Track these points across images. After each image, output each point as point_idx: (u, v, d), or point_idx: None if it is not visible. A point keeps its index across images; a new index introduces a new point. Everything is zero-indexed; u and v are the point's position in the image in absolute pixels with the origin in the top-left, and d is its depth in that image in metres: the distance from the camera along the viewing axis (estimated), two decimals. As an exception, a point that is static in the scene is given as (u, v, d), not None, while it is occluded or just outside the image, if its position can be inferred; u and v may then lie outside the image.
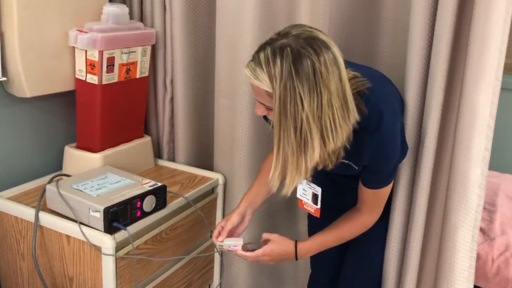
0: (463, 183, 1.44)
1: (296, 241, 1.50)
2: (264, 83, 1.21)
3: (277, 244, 1.48)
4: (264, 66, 1.20)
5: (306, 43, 1.19)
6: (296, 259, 1.50)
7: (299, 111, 1.19)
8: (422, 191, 1.51)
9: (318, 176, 1.44)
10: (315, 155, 1.25)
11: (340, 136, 1.26)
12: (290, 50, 1.17)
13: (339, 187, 1.61)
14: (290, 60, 1.17)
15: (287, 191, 1.33)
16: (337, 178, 1.58)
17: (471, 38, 1.36)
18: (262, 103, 1.28)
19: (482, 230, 2.18)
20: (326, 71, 1.18)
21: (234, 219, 1.53)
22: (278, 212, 2.07)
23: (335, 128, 1.23)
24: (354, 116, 1.27)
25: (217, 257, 2.01)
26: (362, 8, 1.70)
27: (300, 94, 1.17)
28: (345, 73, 1.23)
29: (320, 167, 1.36)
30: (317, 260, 1.79)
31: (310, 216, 1.83)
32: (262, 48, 1.23)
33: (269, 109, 1.27)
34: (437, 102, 1.44)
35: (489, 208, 2.37)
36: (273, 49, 1.20)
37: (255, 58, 1.23)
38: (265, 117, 1.54)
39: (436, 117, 1.46)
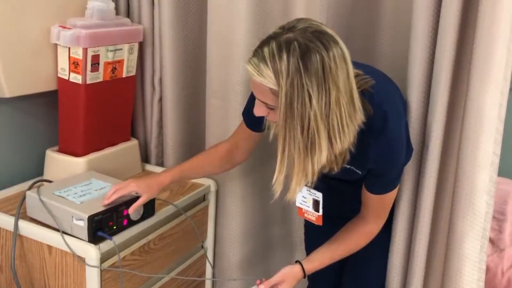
0: (470, 190, 1.45)
1: (302, 264, 1.51)
2: (268, 80, 1.21)
3: (290, 281, 1.50)
4: (269, 62, 1.20)
5: (314, 37, 1.19)
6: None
7: (307, 110, 1.20)
8: (427, 197, 1.52)
9: (317, 182, 1.46)
10: (322, 157, 1.26)
11: (347, 137, 1.27)
12: (298, 44, 1.18)
13: (338, 193, 1.62)
14: (298, 55, 1.18)
15: (292, 195, 1.33)
16: (336, 184, 1.59)
17: (477, 35, 1.37)
18: (263, 102, 1.28)
19: (491, 240, 2.20)
20: (335, 67, 1.19)
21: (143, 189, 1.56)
22: (273, 224, 2.08)
23: (342, 127, 1.24)
24: (360, 116, 1.28)
25: (208, 268, 2.02)
26: (361, 1, 1.72)
27: (308, 91, 1.18)
28: (352, 70, 1.25)
29: (326, 170, 1.37)
30: (315, 273, 1.80)
31: (307, 226, 1.84)
32: (265, 42, 1.23)
33: (271, 108, 1.28)
34: (442, 103, 1.45)
35: (498, 217, 2.38)
36: (278, 43, 1.20)
37: (258, 53, 1.23)
38: (244, 115, 1.55)
39: (441, 120, 1.47)
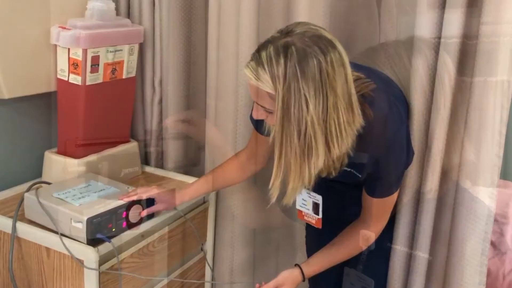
0: (473, 192, 1.44)
1: (301, 268, 1.51)
2: (265, 84, 1.21)
3: (289, 285, 1.50)
4: (266, 66, 1.20)
5: (312, 41, 1.19)
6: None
7: (303, 114, 1.19)
8: (429, 200, 1.52)
9: (316, 184, 1.45)
10: (319, 162, 1.25)
11: (345, 141, 1.26)
12: (295, 49, 1.18)
13: (339, 196, 1.61)
14: (295, 60, 1.17)
15: (288, 200, 1.33)
16: (337, 186, 1.59)
17: (482, 37, 1.36)
18: (261, 106, 1.28)
19: (492, 243, 2.19)
20: (332, 72, 1.19)
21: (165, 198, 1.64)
22: (273, 227, 2.07)
23: (340, 132, 1.24)
24: (359, 120, 1.28)
25: (208, 271, 2.01)
26: (364, 4, 1.72)
27: (305, 96, 1.18)
28: (350, 74, 1.25)
29: (324, 175, 1.37)
30: (316, 277, 1.80)
31: (308, 228, 1.84)
32: (263, 46, 1.23)
33: (269, 112, 1.28)
34: (445, 106, 1.45)
35: (500, 220, 2.37)
36: (276, 47, 1.20)
37: (256, 57, 1.23)
38: (252, 119, 1.55)
39: (444, 122, 1.46)
